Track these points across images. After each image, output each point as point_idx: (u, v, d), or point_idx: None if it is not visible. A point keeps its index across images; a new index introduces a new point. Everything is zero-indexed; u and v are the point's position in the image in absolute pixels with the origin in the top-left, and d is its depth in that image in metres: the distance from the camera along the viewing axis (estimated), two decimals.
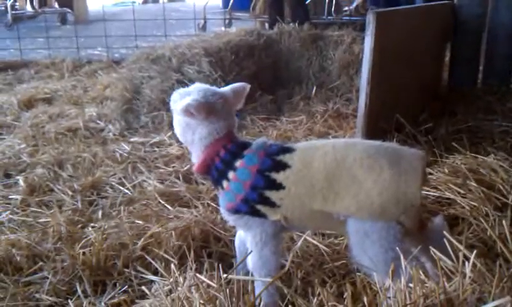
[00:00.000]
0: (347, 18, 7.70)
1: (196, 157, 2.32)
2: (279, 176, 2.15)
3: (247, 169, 2.19)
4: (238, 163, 2.21)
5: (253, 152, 2.22)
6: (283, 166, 2.15)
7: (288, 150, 2.20)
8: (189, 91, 2.28)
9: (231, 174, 2.21)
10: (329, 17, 7.65)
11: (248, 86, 2.45)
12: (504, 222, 2.48)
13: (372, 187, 2.04)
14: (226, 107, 2.29)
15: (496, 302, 1.71)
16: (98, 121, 5.26)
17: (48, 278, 2.61)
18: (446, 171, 3.20)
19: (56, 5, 15.78)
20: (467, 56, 5.82)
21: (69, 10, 14.40)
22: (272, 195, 2.15)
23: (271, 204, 2.16)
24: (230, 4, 9.37)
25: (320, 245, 2.70)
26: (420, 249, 2.11)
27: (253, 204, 2.18)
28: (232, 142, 2.27)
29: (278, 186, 2.14)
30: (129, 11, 9.16)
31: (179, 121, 2.30)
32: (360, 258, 2.11)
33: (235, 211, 2.22)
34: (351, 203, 2.06)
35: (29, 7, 14.94)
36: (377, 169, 2.06)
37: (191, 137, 2.29)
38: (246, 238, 2.32)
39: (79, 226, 3.14)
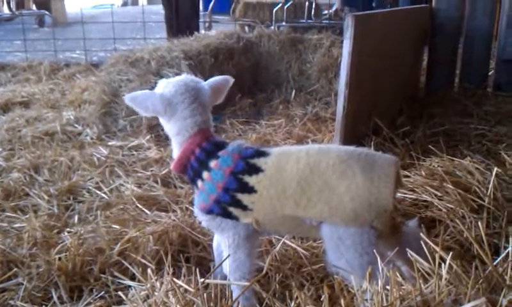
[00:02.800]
0: (327, 21, 7.75)
1: (175, 154, 2.32)
2: (251, 180, 2.14)
3: (221, 171, 2.18)
4: (213, 163, 2.20)
5: (228, 154, 2.21)
6: (256, 170, 2.15)
7: (263, 154, 2.20)
8: (167, 82, 2.31)
9: (205, 174, 2.21)
10: (308, 21, 7.68)
11: (231, 80, 2.46)
12: (479, 224, 2.50)
13: (345, 192, 2.05)
14: (199, 103, 2.28)
15: (471, 304, 1.72)
16: (76, 125, 5.20)
17: (23, 284, 2.55)
18: (423, 173, 3.22)
19: (34, 7, 15.62)
20: (444, 60, 5.89)
21: (47, 12, 14.24)
22: (244, 198, 2.15)
23: (243, 207, 2.16)
24: (210, 7, 9.36)
25: (299, 249, 2.69)
26: (396, 252, 2.12)
27: (225, 206, 2.17)
28: (207, 141, 2.26)
29: (250, 189, 2.14)
30: (108, 14, 9.11)
31: (162, 119, 2.34)
32: (335, 262, 2.12)
33: (208, 211, 2.22)
34: (324, 208, 2.06)
35: (5, 10, 14.75)
36: (350, 175, 2.06)
37: (172, 135, 2.32)
38: (221, 241, 2.32)
39: (55, 231, 3.09)
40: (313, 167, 2.10)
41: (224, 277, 2.28)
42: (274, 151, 2.23)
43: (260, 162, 2.17)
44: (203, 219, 2.29)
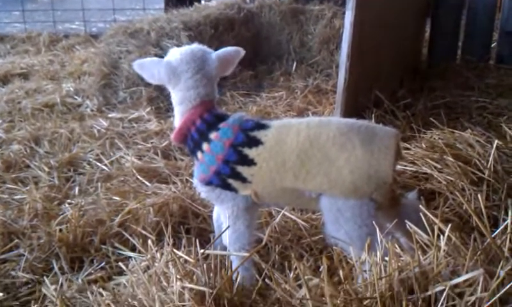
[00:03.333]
0: None
1: (176, 124, 2.32)
2: (251, 152, 2.15)
3: (220, 142, 2.18)
4: (213, 135, 2.20)
5: (229, 126, 2.21)
6: (255, 142, 2.15)
7: (263, 127, 2.19)
8: (177, 50, 2.31)
9: (205, 146, 2.21)
10: None
11: (242, 52, 2.41)
12: (479, 196, 2.51)
13: (344, 164, 2.05)
14: (203, 74, 2.26)
15: (469, 275, 1.73)
16: (76, 97, 5.19)
17: (24, 255, 2.59)
18: (423, 146, 3.21)
19: None
20: (447, 32, 5.81)
21: None
22: (244, 170, 2.15)
23: (242, 179, 2.17)
24: None
25: (299, 221, 2.71)
26: (395, 224, 2.13)
27: (224, 178, 2.18)
28: (208, 113, 2.25)
29: (249, 162, 2.15)
30: None
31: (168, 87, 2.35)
32: (334, 233, 2.13)
33: (207, 183, 2.22)
34: (323, 180, 2.06)
35: None
36: (349, 147, 2.06)
37: (176, 106, 2.32)
38: (220, 213, 2.33)
39: (56, 202, 3.11)
40: (313, 139, 2.10)
41: (225, 249, 2.30)
42: (275, 123, 2.23)
43: (260, 134, 2.16)
44: (203, 190, 2.29)
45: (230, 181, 2.18)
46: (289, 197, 2.22)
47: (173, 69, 2.24)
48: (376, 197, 2.09)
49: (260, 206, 2.45)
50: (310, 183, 2.09)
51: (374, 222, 2.04)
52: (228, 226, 2.32)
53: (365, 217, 2.08)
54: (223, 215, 2.29)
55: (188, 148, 2.31)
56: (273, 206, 2.76)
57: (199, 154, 2.23)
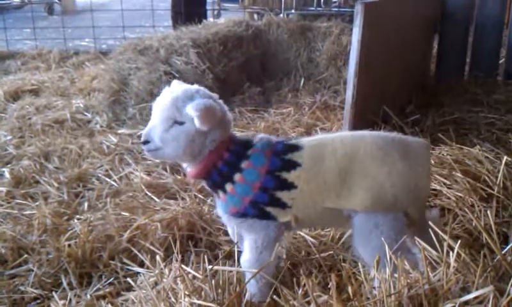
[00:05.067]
0: (336, 9, 7.68)
1: (195, 164, 2.18)
2: (290, 176, 2.09)
3: (255, 170, 2.11)
4: (244, 164, 2.13)
5: (259, 151, 2.14)
6: (293, 165, 2.10)
7: (297, 148, 2.14)
8: (188, 95, 2.10)
9: (237, 177, 2.12)
10: (318, 8, 7.62)
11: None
12: (489, 212, 2.50)
13: (386, 179, 2.04)
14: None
15: (479, 292, 1.72)
16: (86, 113, 5.22)
17: (33, 270, 2.60)
18: (432, 162, 3.20)
19: None
20: (454, 48, 5.84)
21: (56, 0, 14.25)
22: (284, 195, 2.10)
23: (282, 205, 2.11)
24: None
25: (307, 237, 2.70)
26: (413, 240, 2.13)
27: (262, 207, 2.11)
28: (233, 143, 2.18)
29: (289, 186, 2.09)
30: (117, 2, 9.07)
31: (186, 133, 2.08)
32: (363, 249, 2.12)
33: (242, 215, 2.13)
34: (365, 197, 2.04)
35: None
36: (389, 161, 2.06)
37: (198, 147, 2.12)
38: (244, 240, 2.23)
39: (65, 218, 3.12)
40: (351, 156, 2.08)
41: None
42: (306, 143, 2.17)
43: (295, 156, 2.12)
44: (233, 223, 2.21)
45: (269, 209, 2.11)
46: (328, 218, 2.19)
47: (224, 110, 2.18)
48: (411, 211, 2.09)
49: (290, 231, 2.42)
50: (353, 201, 2.06)
51: (403, 239, 2.04)
52: (236, 242, 2.31)
53: (397, 232, 2.07)
54: (249, 243, 2.19)
55: (211, 182, 2.19)
56: (307, 228, 2.72)
57: (228, 187, 2.13)
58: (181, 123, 2.07)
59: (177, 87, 2.16)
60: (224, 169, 2.14)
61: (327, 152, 2.11)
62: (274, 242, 2.17)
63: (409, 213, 2.10)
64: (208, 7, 8.81)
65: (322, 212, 2.12)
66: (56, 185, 3.56)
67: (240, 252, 2.28)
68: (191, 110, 2.03)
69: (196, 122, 2.02)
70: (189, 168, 2.23)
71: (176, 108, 2.07)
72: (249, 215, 2.13)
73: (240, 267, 2.23)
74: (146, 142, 2.12)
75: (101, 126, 4.86)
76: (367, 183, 2.05)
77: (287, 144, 2.18)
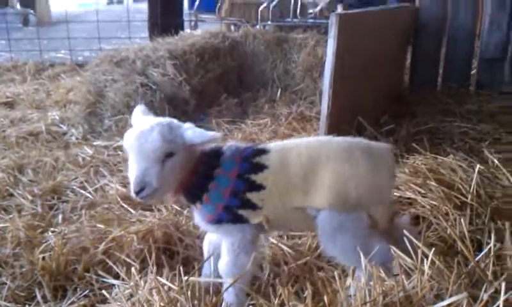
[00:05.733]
0: (312, 20, 7.74)
1: (176, 187, 2.20)
2: (258, 177, 2.15)
3: (226, 176, 2.16)
4: (216, 172, 2.18)
5: (229, 158, 2.20)
6: (260, 167, 2.16)
7: (264, 152, 2.20)
8: (175, 125, 2.14)
9: (211, 185, 2.17)
10: (294, 20, 7.68)
11: None
12: (462, 220, 2.54)
13: (349, 179, 2.09)
14: None
15: (453, 298, 1.75)
16: (61, 125, 5.17)
17: (6, 284, 2.54)
18: (407, 171, 3.24)
19: (18, 5, 15.47)
20: (427, 59, 5.94)
21: (31, 11, 14.13)
22: (254, 196, 2.15)
23: (253, 206, 2.15)
24: (196, 5, 9.32)
25: (284, 247, 2.70)
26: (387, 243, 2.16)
27: (235, 211, 2.16)
28: (204, 154, 2.23)
29: (258, 187, 2.14)
30: (93, 13, 9.03)
31: (179, 162, 2.10)
32: (331, 250, 2.17)
33: (217, 221, 2.18)
34: (329, 194, 2.08)
35: None
36: (353, 162, 2.11)
37: (184, 171, 2.15)
38: (222, 244, 2.27)
39: (39, 230, 3.07)
40: (315, 158, 2.13)
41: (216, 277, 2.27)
42: (272, 147, 2.24)
43: (262, 159, 2.17)
44: (210, 229, 2.28)
45: (241, 212, 2.16)
46: (297, 219, 2.22)
47: None
48: (373, 212, 2.13)
49: (266, 233, 2.45)
50: (318, 199, 2.10)
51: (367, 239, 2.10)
52: (212, 254, 2.32)
53: (360, 232, 2.12)
54: (226, 247, 2.23)
55: (189, 196, 2.23)
56: (279, 232, 2.76)
57: (204, 196, 2.17)
58: (171, 155, 2.07)
59: (142, 122, 2.15)
60: (199, 181, 2.19)
61: (292, 155, 2.17)
62: (250, 244, 2.22)
63: (371, 214, 2.15)
64: (185, 18, 8.80)
65: (291, 211, 2.17)
66: (30, 197, 3.51)
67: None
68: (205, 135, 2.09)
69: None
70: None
71: (170, 141, 2.06)
72: (223, 220, 2.18)
73: (218, 276, 2.25)
74: (141, 190, 2.05)
75: (76, 138, 4.82)
76: (331, 180, 2.09)
77: (255, 149, 2.24)
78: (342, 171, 2.10)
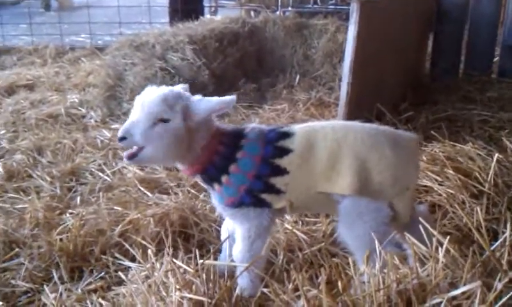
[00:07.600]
0: (333, 7, 7.67)
1: (189, 163, 2.19)
2: (283, 162, 2.13)
3: (250, 159, 2.14)
4: (239, 154, 2.16)
5: (253, 141, 2.18)
6: (285, 151, 2.14)
7: (288, 135, 2.18)
8: (176, 94, 2.13)
9: (232, 167, 2.15)
10: (314, 6, 7.62)
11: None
12: (479, 209, 2.51)
13: (374, 165, 2.07)
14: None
15: (467, 287, 1.73)
16: (80, 108, 5.22)
17: (24, 264, 2.59)
18: (424, 158, 3.22)
19: None
20: (449, 46, 5.85)
21: None
22: (278, 181, 2.13)
23: (276, 191, 2.14)
24: None
25: (298, 233, 2.71)
26: (403, 235, 2.15)
27: (257, 194, 2.14)
28: (224, 135, 2.20)
29: (282, 171, 2.13)
30: None
31: (174, 131, 2.08)
32: (346, 235, 2.16)
33: (238, 204, 2.16)
34: (353, 180, 2.06)
35: None
36: (379, 149, 2.09)
37: (186, 145, 2.12)
38: (237, 231, 2.27)
39: (57, 212, 3.12)
40: (341, 140, 2.11)
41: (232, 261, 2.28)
42: (297, 130, 2.21)
43: (286, 143, 2.15)
44: (228, 213, 2.25)
45: (264, 196, 2.15)
46: (320, 203, 2.22)
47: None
48: (395, 203, 2.11)
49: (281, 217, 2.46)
50: (341, 184, 2.09)
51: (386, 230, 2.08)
52: (228, 237, 2.33)
53: (379, 223, 2.10)
54: (241, 234, 2.22)
55: (206, 177, 2.21)
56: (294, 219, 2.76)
57: (224, 178, 2.15)
58: (166, 121, 2.07)
59: (158, 89, 2.16)
60: (220, 162, 2.17)
61: (318, 138, 2.15)
62: (266, 231, 2.22)
63: (394, 205, 2.11)
64: (205, 4, 8.78)
65: (314, 196, 2.15)
66: (48, 179, 3.56)
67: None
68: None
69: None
70: (181, 167, 2.24)
71: (167, 105, 2.07)
72: (245, 203, 2.16)
73: (232, 260, 2.26)
74: (123, 138, 2.09)
75: (95, 121, 4.87)
76: (355, 167, 2.07)
77: (279, 131, 2.22)
78: (367, 156, 2.08)
